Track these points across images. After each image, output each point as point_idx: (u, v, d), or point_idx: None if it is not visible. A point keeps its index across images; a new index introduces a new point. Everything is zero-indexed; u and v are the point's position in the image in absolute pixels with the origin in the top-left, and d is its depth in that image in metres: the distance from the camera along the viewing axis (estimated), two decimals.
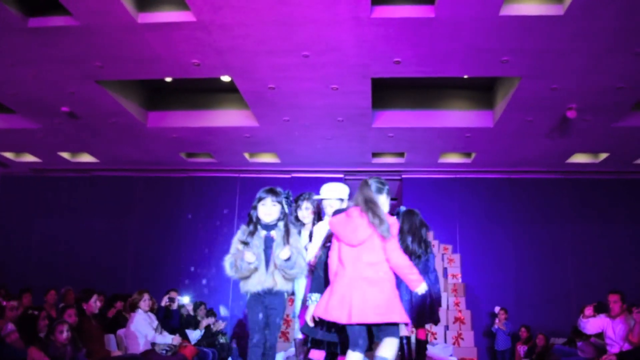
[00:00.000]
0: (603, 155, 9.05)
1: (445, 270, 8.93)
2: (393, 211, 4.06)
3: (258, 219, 3.39)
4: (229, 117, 8.07)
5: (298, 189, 3.46)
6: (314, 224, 3.81)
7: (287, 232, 3.37)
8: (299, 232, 3.75)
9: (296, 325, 3.81)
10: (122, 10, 5.12)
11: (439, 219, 9.65)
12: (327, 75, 6.40)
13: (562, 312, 9.06)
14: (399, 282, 3.16)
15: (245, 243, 3.34)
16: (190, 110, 8.12)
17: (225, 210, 10.21)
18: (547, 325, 8.77)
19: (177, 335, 6.25)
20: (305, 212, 3.86)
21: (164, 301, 6.89)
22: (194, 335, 7.18)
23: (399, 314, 2.90)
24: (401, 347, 4.64)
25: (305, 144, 8.82)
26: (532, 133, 8.01)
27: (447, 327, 8.13)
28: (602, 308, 6.21)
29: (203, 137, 8.60)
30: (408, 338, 4.82)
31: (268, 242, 3.35)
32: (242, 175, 10.34)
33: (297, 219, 3.86)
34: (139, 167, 10.36)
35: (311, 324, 3.21)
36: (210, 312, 8.12)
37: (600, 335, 6.13)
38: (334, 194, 3.68)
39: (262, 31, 5.43)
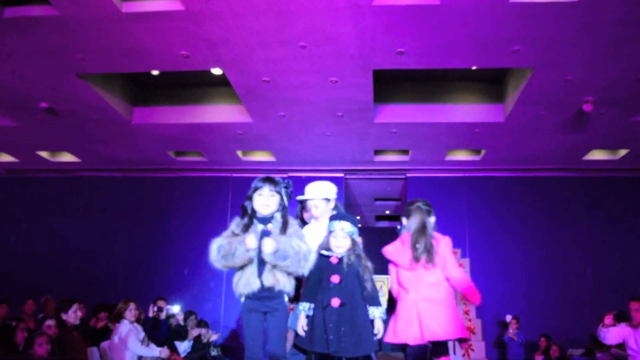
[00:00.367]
0: (622, 152, 9.07)
1: None
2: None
3: (254, 211, 3.18)
4: (220, 113, 8.08)
5: (295, 190, 3.40)
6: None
7: (284, 224, 3.15)
8: None
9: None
10: None
11: (446, 221, 9.64)
12: (326, 68, 6.41)
13: (579, 321, 9.04)
14: None
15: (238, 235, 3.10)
16: (179, 106, 8.13)
17: (216, 212, 10.23)
18: (563, 335, 8.78)
19: (165, 347, 6.26)
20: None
21: (152, 311, 6.90)
22: (183, 347, 7.19)
23: (464, 330, 3.37)
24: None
25: (302, 142, 8.84)
26: (545, 128, 8.03)
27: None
28: (623, 316, 6.18)
29: (193, 135, 8.61)
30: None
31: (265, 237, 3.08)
32: (234, 175, 10.35)
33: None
34: (124, 166, 10.36)
35: (302, 334, 3.23)
36: (202, 322, 8.13)
37: (622, 345, 6.10)
38: (319, 193, 3.64)
39: (255, 21, 5.44)
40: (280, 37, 5.74)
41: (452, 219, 9.83)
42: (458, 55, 6.12)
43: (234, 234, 3.13)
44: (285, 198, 3.25)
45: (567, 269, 9.63)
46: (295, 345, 3.34)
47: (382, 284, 7.82)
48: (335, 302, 3.19)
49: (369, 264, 3.42)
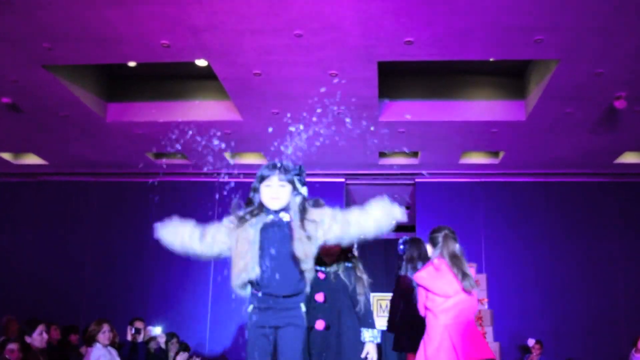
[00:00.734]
0: None
1: None
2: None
3: (262, 206, 2.94)
4: (205, 110, 8.08)
5: None
6: None
7: (303, 210, 2.89)
8: None
9: None
10: None
11: (460, 232, 9.34)
12: (325, 59, 6.41)
13: (610, 344, 9.07)
14: None
15: (244, 219, 2.90)
16: (159, 102, 8.12)
17: (201, 221, 10.18)
18: None
19: None
20: None
21: (129, 334, 6.85)
22: None
23: (491, 351, 3.88)
24: None
25: (298, 143, 8.79)
26: (572, 128, 8.03)
27: None
28: None
29: (174, 134, 8.58)
30: None
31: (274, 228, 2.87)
32: (222, 179, 10.30)
33: None
34: (97, 170, 10.36)
35: None
36: (184, 346, 8.08)
37: None
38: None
39: (245, 5, 5.41)
40: (274, 24, 5.72)
41: (466, 230, 9.78)
42: (474, 45, 6.11)
43: (239, 219, 2.93)
44: (300, 187, 3.03)
45: (596, 286, 9.63)
46: None
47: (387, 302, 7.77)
48: (320, 324, 3.17)
49: (365, 277, 3.39)
